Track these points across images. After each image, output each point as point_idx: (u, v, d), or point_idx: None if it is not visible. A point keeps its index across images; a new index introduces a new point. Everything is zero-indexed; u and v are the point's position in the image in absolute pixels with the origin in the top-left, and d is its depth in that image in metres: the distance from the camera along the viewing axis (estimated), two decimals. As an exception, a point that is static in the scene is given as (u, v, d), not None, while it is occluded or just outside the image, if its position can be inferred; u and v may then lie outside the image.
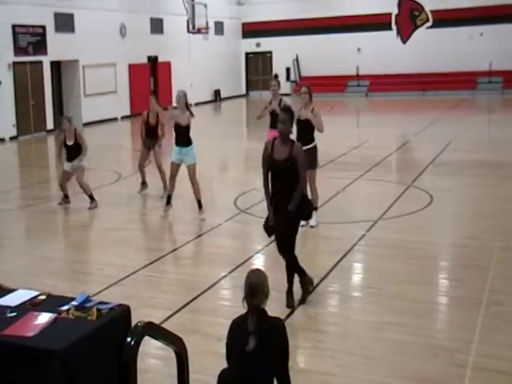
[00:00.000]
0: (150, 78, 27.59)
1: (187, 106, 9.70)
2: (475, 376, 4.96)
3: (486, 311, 6.11)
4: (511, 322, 5.93)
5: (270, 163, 6.26)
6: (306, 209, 6.35)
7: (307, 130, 9.10)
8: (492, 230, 8.84)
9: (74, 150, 10.65)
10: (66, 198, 11.02)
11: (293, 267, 6.41)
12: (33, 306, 3.49)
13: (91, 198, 10.76)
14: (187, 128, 9.67)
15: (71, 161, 10.71)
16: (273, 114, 10.38)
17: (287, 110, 6.42)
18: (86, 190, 10.78)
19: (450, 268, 7.74)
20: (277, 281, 6.19)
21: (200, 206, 9.84)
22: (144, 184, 11.86)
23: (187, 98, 9.74)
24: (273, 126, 10.36)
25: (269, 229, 6.40)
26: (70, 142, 10.63)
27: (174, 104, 9.80)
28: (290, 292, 6.42)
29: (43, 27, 21.44)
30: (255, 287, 3.67)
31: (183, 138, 9.71)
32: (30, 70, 21.09)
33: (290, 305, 6.34)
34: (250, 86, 36.14)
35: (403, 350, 5.42)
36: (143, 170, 11.82)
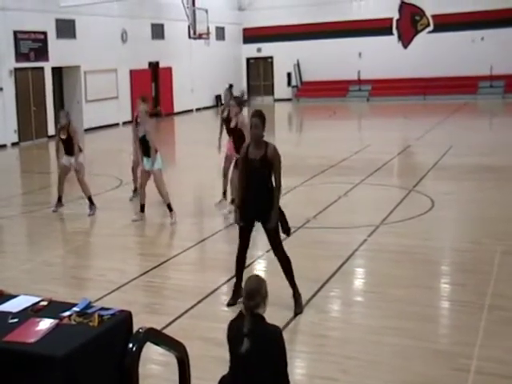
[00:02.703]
0: (152, 83, 27.62)
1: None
2: (477, 380, 4.95)
3: (489, 315, 6.10)
4: (514, 327, 5.92)
5: (245, 163, 6.28)
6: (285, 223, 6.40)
7: (241, 138, 9.80)
8: (494, 235, 8.82)
9: (68, 144, 10.67)
10: (59, 202, 10.95)
11: (289, 267, 6.36)
12: (34, 312, 3.49)
13: (90, 201, 10.74)
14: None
15: (68, 155, 10.74)
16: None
17: (259, 114, 6.28)
18: (85, 190, 10.76)
19: (452, 272, 7.73)
20: (277, 286, 6.20)
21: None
22: (136, 190, 11.52)
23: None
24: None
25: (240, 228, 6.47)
26: (63, 136, 10.66)
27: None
28: (296, 294, 6.37)
29: (44, 33, 21.51)
30: (252, 290, 3.70)
31: None
32: (32, 76, 21.14)
33: (298, 311, 6.28)
34: (252, 91, 36.16)
35: (405, 354, 5.41)
36: (136, 174, 11.50)
